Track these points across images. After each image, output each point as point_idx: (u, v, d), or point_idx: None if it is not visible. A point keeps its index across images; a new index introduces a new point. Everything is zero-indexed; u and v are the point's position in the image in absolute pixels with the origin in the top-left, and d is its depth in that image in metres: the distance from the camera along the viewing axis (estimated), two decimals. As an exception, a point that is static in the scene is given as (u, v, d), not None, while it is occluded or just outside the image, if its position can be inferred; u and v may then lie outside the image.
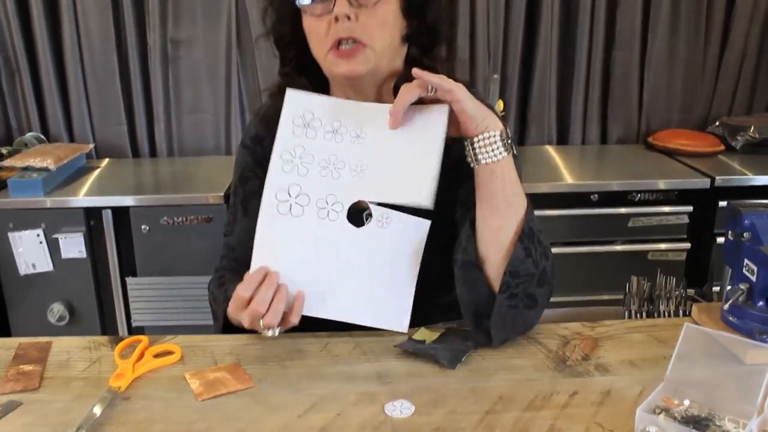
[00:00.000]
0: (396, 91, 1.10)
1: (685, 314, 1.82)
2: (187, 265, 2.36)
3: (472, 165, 1.04)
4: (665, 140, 2.75)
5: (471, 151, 1.03)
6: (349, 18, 1.07)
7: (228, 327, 1.14)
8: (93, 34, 2.68)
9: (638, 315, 1.82)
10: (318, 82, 1.18)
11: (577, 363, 1.02)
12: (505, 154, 1.02)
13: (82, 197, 2.33)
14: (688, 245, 2.44)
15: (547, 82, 2.82)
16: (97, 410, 0.91)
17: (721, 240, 2.42)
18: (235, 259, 1.27)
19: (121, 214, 2.33)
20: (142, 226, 2.32)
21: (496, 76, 2.58)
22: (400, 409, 0.91)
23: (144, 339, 1.10)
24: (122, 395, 0.97)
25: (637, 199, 2.41)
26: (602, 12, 2.74)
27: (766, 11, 2.76)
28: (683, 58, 2.82)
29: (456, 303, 1.10)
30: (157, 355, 1.07)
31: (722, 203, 2.40)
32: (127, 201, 2.32)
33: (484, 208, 1.05)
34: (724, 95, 2.88)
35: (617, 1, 2.75)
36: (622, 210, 2.41)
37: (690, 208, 2.41)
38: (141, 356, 1.06)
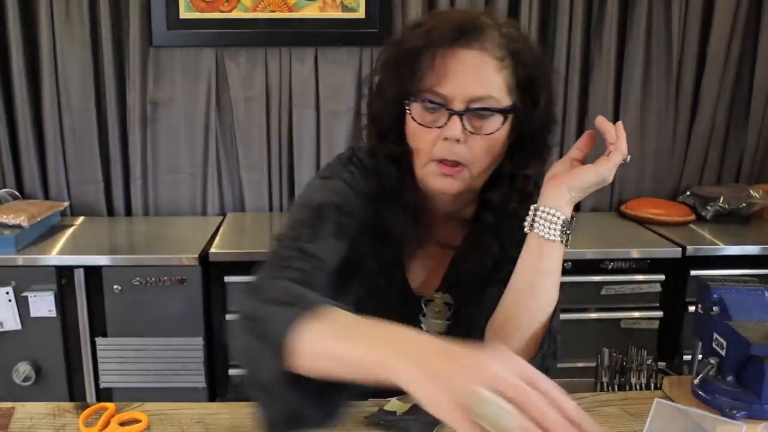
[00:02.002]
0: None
1: (656, 387, 1.83)
2: (158, 327, 2.32)
3: (526, 230, 1.04)
4: (637, 209, 2.79)
5: (531, 215, 1.03)
6: (458, 141, 1.03)
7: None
8: (73, 92, 2.69)
9: (610, 387, 1.82)
10: (407, 168, 1.13)
11: (549, 437, 1.02)
12: (557, 239, 1.02)
13: (55, 255, 2.31)
14: (660, 314, 2.45)
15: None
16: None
17: (692, 309, 2.43)
18: (320, 269, 1.02)
19: (93, 273, 2.30)
20: (114, 286, 2.29)
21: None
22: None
23: (110, 406, 1.08)
24: (85, 465, 0.95)
25: (610, 267, 2.43)
26: (576, 83, 2.81)
27: (733, 87, 2.86)
28: (654, 129, 2.88)
29: None
30: (123, 423, 1.05)
31: (693, 272, 2.42)
32: (100, 260, 2.29)
33: (519, 281, 1.05)
34: (694, 166, 2.94)
35: (590, 73, 2.83)
36: (596, 278, 2.43)
37: (662, 277, 2.43)
38: (106, 424, 1.04)
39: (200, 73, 2.73)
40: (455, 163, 1.05)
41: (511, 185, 1.12)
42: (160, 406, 1.11)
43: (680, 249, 2.42)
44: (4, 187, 2.73)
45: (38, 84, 2.68)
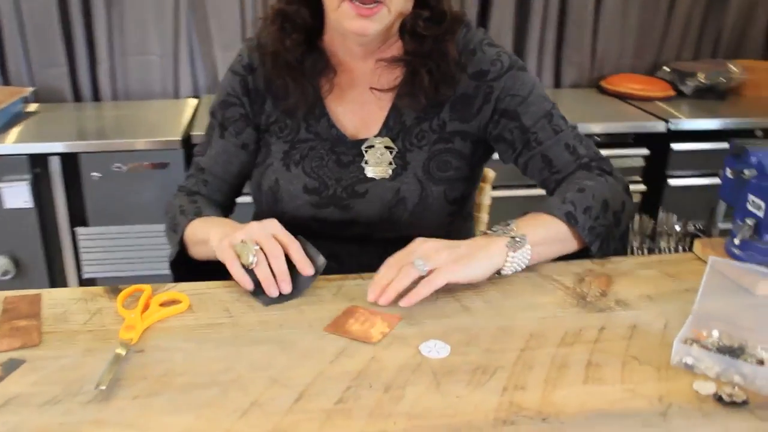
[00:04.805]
0: (402, 33, 1.13)
1: (685, 250, 1.86)
2: (141, 213, 2.26)
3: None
4: (617, 84, 2.78)
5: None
6: None
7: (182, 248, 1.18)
8: (28, -31, 2.49)
9: (639, 251, 1.86)
10: (317, 11, 1.15)
11: (597, 299, 1.02)
12: (528, 256, 1.04)
13: (26, 143, 2.19)
14: (643, 187, 2.49)
15: (503, 24, 2.79)
16: (114, 365, 0.85)
17: (672, 182, 2.48)
18: (204, 181, 1.30)
19: (69, 160, 2.20)
20: (93, 173, 2.21)
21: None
22: (437, 349, 0.89)
23: (147, 288, 1.04)
24: (134, 348, 0.91)
25: (594, 142, 2.42)
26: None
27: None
28: (637, 2, 2.84)
29: None
30: (163, 304, 1.01)
31: (675, 146, 2.45)
32: (76, 147, 2.19)
33: None
34: (673, 40, 2.92)
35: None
36: (580, 153, 2.42)
37: (646, 151, 2.45)
38: (147, 307, 1.00)
39: (166, -54, 2.55)
40: (375, 2, 1.04)
41: (433, 11, 1.13)
42: (197, 286, 1.07)
43: (664, 123, 2.44)
44: (-40, 73, 2.57)
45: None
